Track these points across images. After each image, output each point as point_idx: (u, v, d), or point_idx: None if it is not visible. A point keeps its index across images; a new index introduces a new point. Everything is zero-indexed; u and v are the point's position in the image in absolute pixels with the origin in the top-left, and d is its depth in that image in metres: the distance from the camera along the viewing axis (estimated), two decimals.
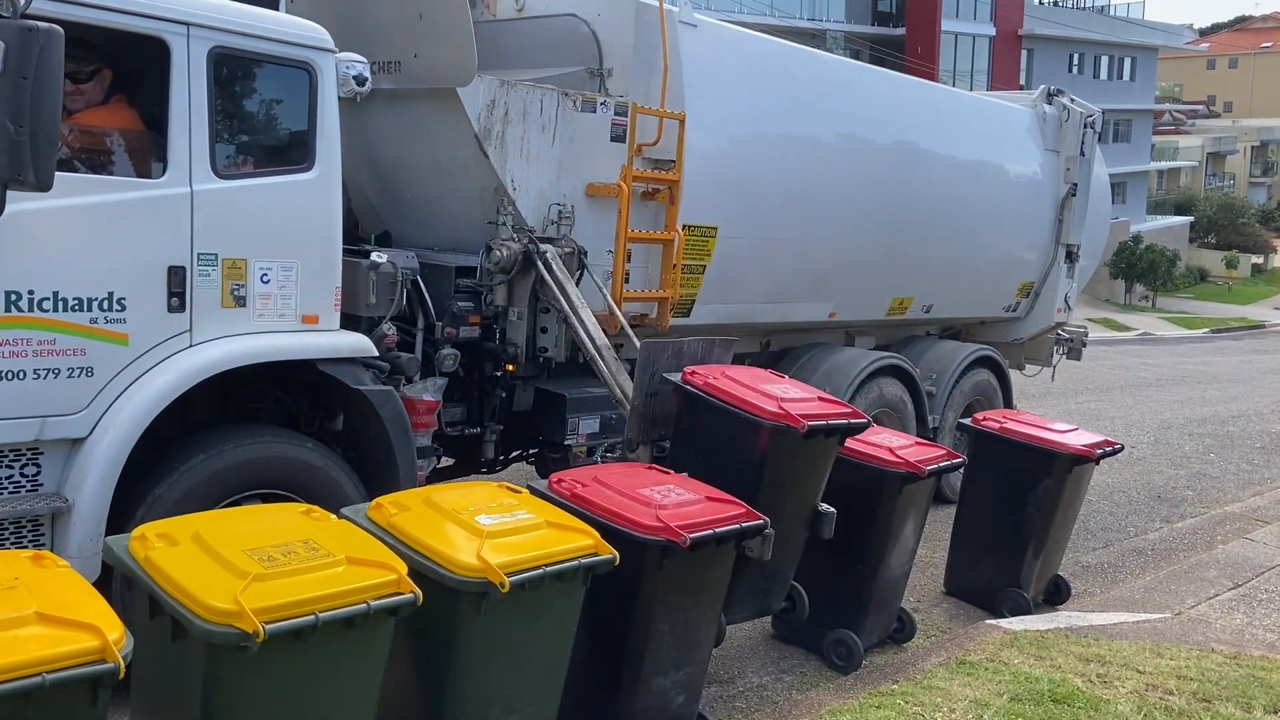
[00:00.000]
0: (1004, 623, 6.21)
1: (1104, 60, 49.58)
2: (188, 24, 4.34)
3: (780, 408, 4.83)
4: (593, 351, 5.74)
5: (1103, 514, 9.49)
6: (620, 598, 4.09)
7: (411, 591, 3.20)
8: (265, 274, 4.64)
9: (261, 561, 3.09)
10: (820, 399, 5.20)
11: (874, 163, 7.78)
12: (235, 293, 4.56)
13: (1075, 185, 9.83)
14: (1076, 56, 48.13)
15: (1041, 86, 10.18)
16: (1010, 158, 9.39)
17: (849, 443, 5.52)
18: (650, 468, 4.76)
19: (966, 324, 10.18)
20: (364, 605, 3.09)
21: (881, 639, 5.97)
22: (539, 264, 5.76)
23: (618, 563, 3.80)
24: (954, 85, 32.11)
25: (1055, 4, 49.31)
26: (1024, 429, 6.64)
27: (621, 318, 6.17)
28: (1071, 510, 6.88)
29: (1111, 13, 50.96)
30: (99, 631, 2.67)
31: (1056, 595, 6.98)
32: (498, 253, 5.76)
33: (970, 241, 8.91)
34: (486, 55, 6.79)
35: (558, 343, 6.02)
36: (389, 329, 5.25)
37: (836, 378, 7.75)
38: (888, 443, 5.73)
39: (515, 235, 5.80)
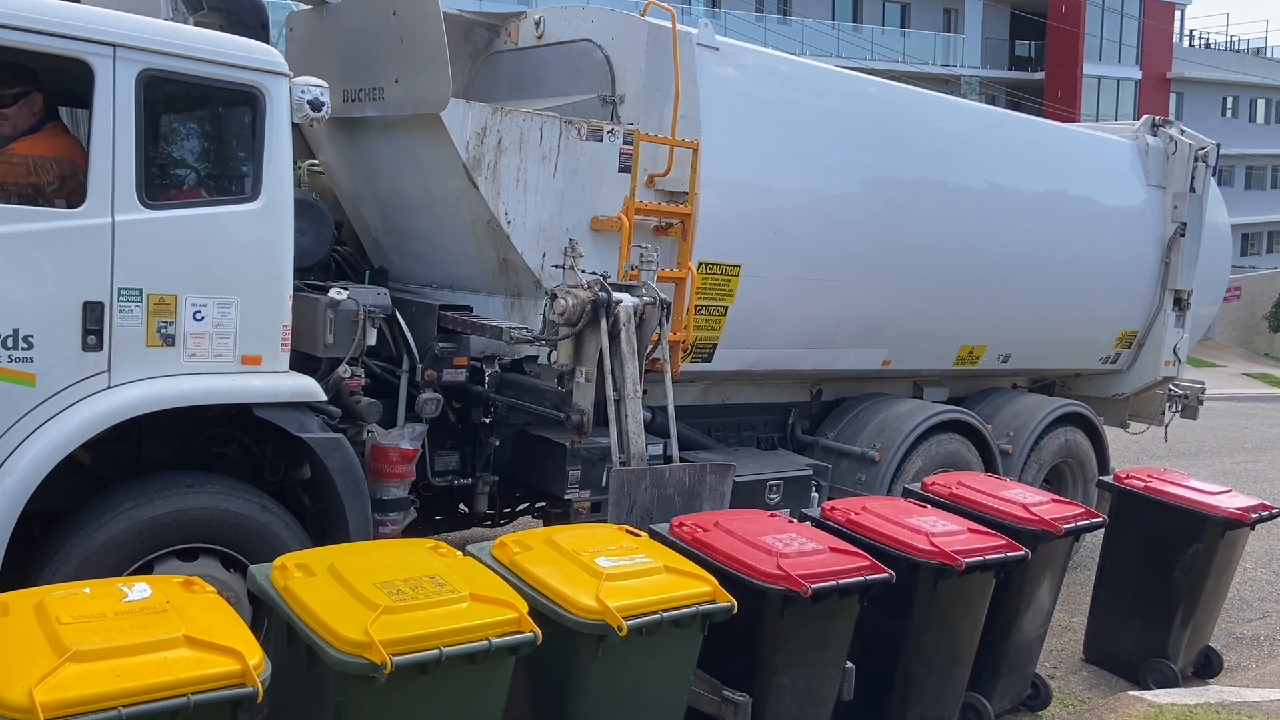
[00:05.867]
0: (1148, 695, 5.89)
1: (1261, 103, 46.93)
2: (114, 45, 4.06)
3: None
4: (617, 456, 4.98)
5: (1259, 582, 8.73)
6: (741, 647, 4.10)
7: (531, 631, 3.31)
8: (198, 311, 4.30)
9: (391, 594, 3.25)
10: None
11: (932, 199, 7.07)
12: (162, 331, 4.23)
13: (1184, 224, 8.88)
14: (1230, 100, 45.72)
15: (1146, 117, 9.29)
16: (1104, 193, 8.51)
17: (977, 498, 5.47)
18: (773, 515, 4.71)
19: (1059, 375, 9.27)
20: (485, 642, 3.21)
21: (1014, 705, 5.76)
22: (604, 323, 4.92)
23: (736, 611, 3.82)
24: None
25: (1207, 46, 46.97)
26: (1171, 489, 6.33)
27: (669, 381, 5.38)
28: (1224, 577, 6.56)
29: (1269, 54, 48.22)
30: (241, 656, 2.85)
31: (1207, 668, 6.63)
32: (563, 301, 4.97)
33: (1054, 286, 8.05)
34: (510, 84, 6.53)
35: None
36: (346, 372, 4.87)
37: (890, 433, 7.05)
38: (1021, 499, 5.54)
39: (585, 281, 5.08)
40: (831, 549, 4.36)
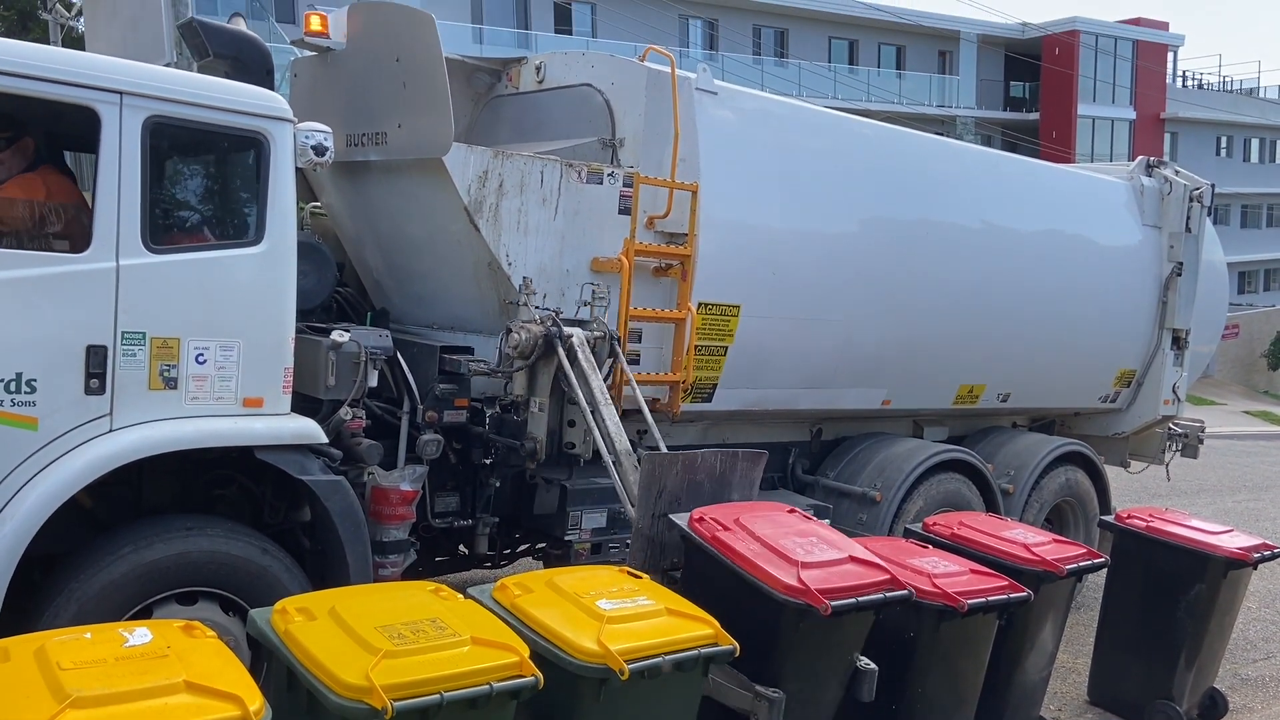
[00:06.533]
0: None
1: (1254, 143, 47.32)
2: (120, 93, 4.12)
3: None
4: (608, 457, 5.17)
5: (1263, 622, 8.62)
6: (752, 654, 4.03)
7: (533, 675, 3.29)
8: (201, 354, 4.33)
9: (392, 638, 3.24)
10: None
11: (931, 239, 7.12)
12: (165, 374, 4.25)
13: (1181, 264, 8.92)
14: (1225, 139, 46.11)
15: (1140, 158, 9.36)
16: (1101, 233, 8.56)
17: (979, 538, 5.47)
18: (793, 511, 4.81)
19: (1059, 414, 9.28)
20: (487, 687, 3.19)
21: None
22: (560, 350, 5.23)
23: (738, 652, 3.83)
24: None
25: (1200, 86, 47.40)
26: (1173, 528, 6.28)
27: (641, 401, 5.67)
28: (1228, 617, 6.49)
29: (1262, 94, 48.65)
30: (241, 702, 2.84)
31: (1212, 710, 6.54)
32: (516, 335, 5.26)
33: (1052, 325, 8.08)
34: (511, 128, 6.60)
35: (586, 438, 5.44)
36: (347, 414, 4.87)
37: (890, 473, 7.03)
38: (1023, 539, 5.52)
39: (538, 317, 5.31)
40: (852, 558, 4.36)
